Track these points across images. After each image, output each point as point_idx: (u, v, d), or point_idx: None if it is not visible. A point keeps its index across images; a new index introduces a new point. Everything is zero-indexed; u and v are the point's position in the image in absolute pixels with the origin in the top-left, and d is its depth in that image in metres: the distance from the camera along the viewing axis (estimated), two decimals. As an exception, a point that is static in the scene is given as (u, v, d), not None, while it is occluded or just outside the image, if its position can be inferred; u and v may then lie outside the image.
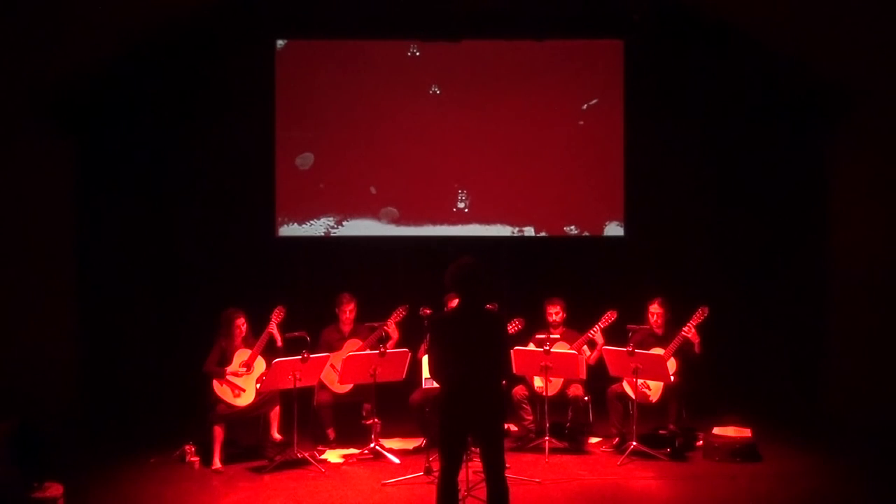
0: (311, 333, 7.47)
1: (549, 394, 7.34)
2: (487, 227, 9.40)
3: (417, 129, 9.39)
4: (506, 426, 6.44)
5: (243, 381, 7.20)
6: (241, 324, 7.27)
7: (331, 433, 7.63)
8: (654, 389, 7.38)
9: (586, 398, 7.63)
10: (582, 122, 9.38)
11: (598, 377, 7.63)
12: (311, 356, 7.09)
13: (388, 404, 7.58)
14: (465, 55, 9.35)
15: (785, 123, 9.26)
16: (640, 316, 7.66)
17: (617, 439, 7.47)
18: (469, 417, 5.18)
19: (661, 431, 7.56)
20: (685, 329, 7.28)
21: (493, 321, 5.37)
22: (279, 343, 7.36)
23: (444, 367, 5.21)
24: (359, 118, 9.36)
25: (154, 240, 9.20)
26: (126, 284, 9.11)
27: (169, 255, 9.24)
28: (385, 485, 6.63)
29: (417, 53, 9.38)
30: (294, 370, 6.95)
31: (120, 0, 7.82)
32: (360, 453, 7.36)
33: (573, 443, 7.55)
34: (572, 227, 9.43)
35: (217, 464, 7.05)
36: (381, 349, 7.28)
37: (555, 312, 7.67)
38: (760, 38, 8.89)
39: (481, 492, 5.57)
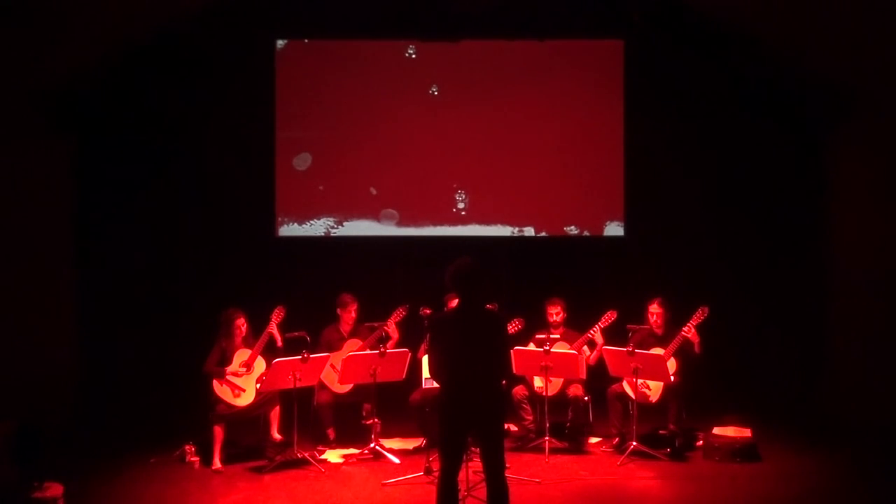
0: (311, 333, 7.47)
1: (549, 394, 7.33)
2: (487, 227, 9.40)
3: (417, 130, 9.39)
4: (506, 426, 6.43)
5: (243, 381, 7.20)
6: (241, 324, 7.26)
7: (331, 433, 7.63)
8: (654, 389, 7.38)
9: (586, 398, 7.63)
10: (582, 122, 9.37)
11: (598, 377, 7.63)
12: (311, 356, 7.09)
13: (388, 404, 7.58)
14: (464, 55, 9.35)
15: (785, 123, 9.27)
16: (640, 316, 7.66)
17: (617, 439, 7.47)
18: (469, 417, 5.18)
19: (661, 431, 7.56)
20: (685, 329, 7.28)
21: (492, 321, 5.37)
22: (279, 343, 7.36)
23: (444, 367, 5.21)
24: (359, 118, 9.36)
25: (154, 240, 9.21)
26: (126, 284, 9.11)
27: (169, 254, 9.24)
28: (385, 485, 6.63)
29: (414, 56, 9.38)
30: (294, 370, 6.95)
31: (120, 0, 7.83)
32: (360, 453, 7.36)
33: (573, 443, 7.55)
34: (572, 227, 9.43)
35: (217, 464, 7.04)
36: (381, 349, 7.28)
37: (555, 312, 7.66)
38: (760, 37, 8.90)
39: (481, 492, 5.57)
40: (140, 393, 8.86)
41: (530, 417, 7.62)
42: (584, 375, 7.53)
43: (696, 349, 7.32)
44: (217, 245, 9.26)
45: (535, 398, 7.59)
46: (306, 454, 7.13)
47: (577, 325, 7.71)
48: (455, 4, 9.09)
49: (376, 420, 7.37)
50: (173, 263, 9.24)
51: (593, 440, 7.72)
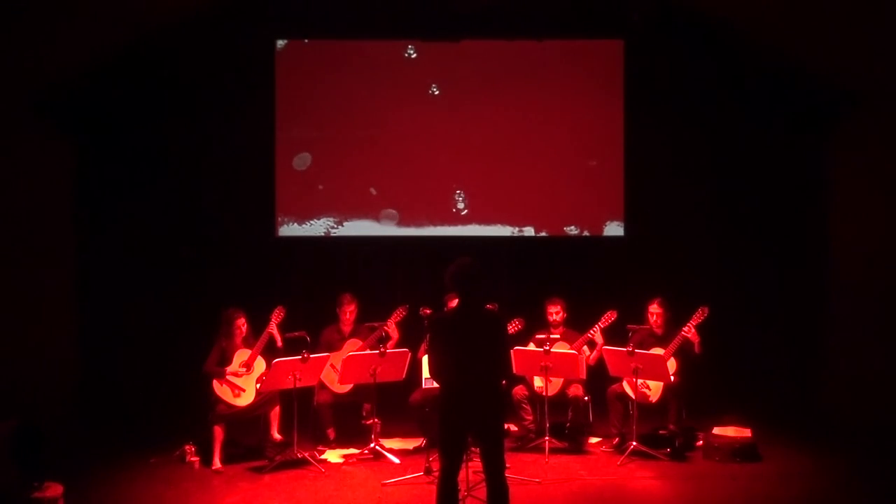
0: (311, 333, 7.48)
1: (549, 394, 7.33)
2: (487, 227, 9.40)
3: (417, 130, 9.39)
4: (506, 426, 6.44)
5: (243, 381, 7.21)
6: (242, 324, 7.27)
7: (331, 433, 7.63)
8: (654, 389, 7.38)
9: (586, 398, 7.63)
10: (582, 122, 9.37)
11: (598, 377, 7.63)
12: (311, 356, 7.09)
13: (388, 404, 7.59)
14: (464, 55, 9.35)
15: (784, 123, 9.26)
16: (640, 316, 7.66)
17: (617, 439, 7.47)
18: (469, 417, 5.18)
19: (661, 431, 7.56)
20: (685, 329, 7.28)
21: (492, 321, 5.37)
22: (279, 343, 7.36)
23: (444, 367, 5.21)
24: (359, 118, 9.36)
25: (154, 240, 9.20)
26: (126, 284, 9.11)
27: (169, 254, 9.23)
28: (385, 485, 6.63)
29: (414, 56, 9.38)
30: (294, 370, 6.95)
31: (120, 0, 7.83)
32: (360, 453, 7.36)
33: (573, 443, 7.55)
34: (572, 227, 9.43)
35: (217, 464, 7.05)
36: (381, 349, 7.28)
37: (555, 312, 7.67)
38: (760, 38, 8.90)
39: (481, 492, 5.57)
40: (140, 393, 8.86)
41: (530, 417, 7.62)
42: (584, 375, 7.53)
43: (696, 349, 7.32)
44: (217, 245, 9.26)
45: (535, 398, 7.59)
46: (306, 454, 7.13)
47: (577, 325, 7.71)
48: (455, 4, 9.09)
49: (376, 420, 7.37)
50: (173, 263, 9.23)
51: (593, 440, 7.72)
